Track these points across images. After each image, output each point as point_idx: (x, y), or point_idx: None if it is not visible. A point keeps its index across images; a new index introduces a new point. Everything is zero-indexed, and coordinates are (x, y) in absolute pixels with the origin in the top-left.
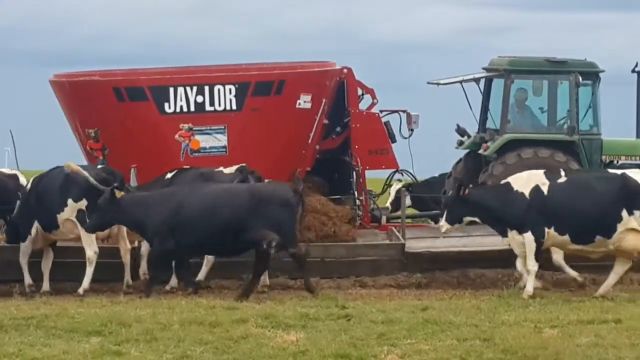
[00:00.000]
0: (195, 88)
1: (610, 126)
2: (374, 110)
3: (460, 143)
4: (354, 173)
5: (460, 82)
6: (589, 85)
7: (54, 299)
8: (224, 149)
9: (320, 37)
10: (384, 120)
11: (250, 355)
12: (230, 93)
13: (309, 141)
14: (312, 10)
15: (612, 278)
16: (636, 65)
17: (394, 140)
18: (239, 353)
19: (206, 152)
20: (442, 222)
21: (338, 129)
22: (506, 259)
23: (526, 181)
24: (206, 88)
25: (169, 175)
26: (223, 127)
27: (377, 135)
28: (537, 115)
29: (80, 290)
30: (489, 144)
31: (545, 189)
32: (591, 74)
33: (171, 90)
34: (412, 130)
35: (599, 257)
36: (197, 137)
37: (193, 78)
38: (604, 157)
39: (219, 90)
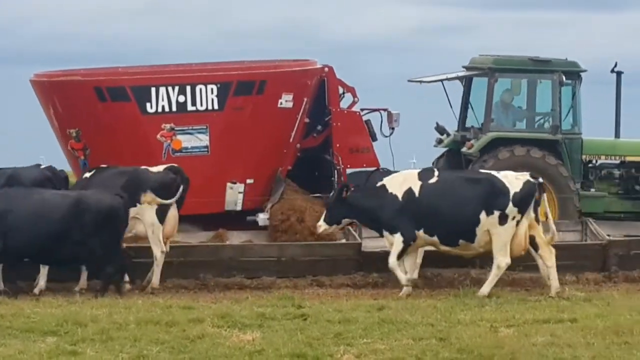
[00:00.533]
0: (177, 88)
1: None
2: (355, 108)
3: (440, 141)
4: (336, 172)
5: (442, 80)
6: (570, 84)
7: (10, 299)
8: (206, 149)
9: (274, 37)
10: (364, 118)
11: (207, 355)
12: (212, 93)
13: (291, 140)
14: (266, 9)
15: (552, 272)
16: (615, 65)
17: (374, 139)
18: (195, 353)
19: (188, 152)
20: (321, 222)
21: (319, 127)
22: (463, 258)
23: (400, 183)
24: (188, 88)
25: (87, 175)
26: (205, 126)
27: (358, 133)
28: (519, 114)
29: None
30: (472, 142)
31: (416, 191)
32: (573, 74)
33: (153, 90)
34: (392, 128)
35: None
36: (179, 137)
37: (175, 78)
38: (583, 157)
39: (200, 90)
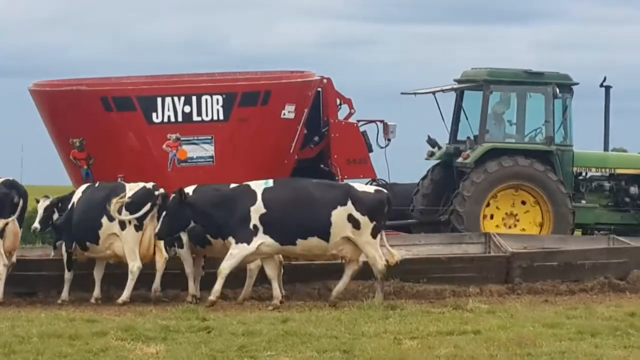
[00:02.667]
0: (182, 98)
1: None
2: (352, 120)
3: (431, 154)
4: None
5: (434, 92)
6: (562, 97)
7: None
8: (211, 159)
9: (183, 49)
10: (361, 130)
11: None
12: (217, 103)
13: (291, 151)
14: (174, 21)
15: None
16: (604, 80)
17: (370, 150)
18: None
19: (193, 162)
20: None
21: (316, 138)
22: (366, 271)
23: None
24: (194, 98)
25: None
26: (210, 137)
27: (356, 144)
28: (512, 125)
29: None
30: (468, 152)
31: (258, 197)
32: (565, 86)
33: (159, 100)
34: (389, 140)
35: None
36: (185, 147)
37: (181, 88)
38: (574, 169)
39: (206, 100)
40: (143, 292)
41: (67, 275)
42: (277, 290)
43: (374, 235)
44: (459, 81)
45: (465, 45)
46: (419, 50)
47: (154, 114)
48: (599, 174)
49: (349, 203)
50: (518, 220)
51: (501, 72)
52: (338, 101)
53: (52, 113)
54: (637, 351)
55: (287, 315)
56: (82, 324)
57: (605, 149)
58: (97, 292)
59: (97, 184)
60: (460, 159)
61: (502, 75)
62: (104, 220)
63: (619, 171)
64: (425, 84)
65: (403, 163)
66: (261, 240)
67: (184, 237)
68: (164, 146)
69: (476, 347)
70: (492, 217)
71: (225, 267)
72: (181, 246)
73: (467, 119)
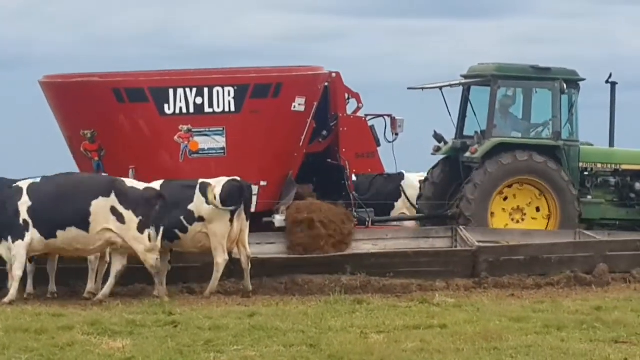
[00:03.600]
0: (194, 89)
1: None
2: (359, 114)
3: (437, 149)
4: (345, 176)
5: (441, 87)
6: (569, 92)
7: None
8: (223, 151)
9: (143, 43)
10: (369, 124)
11: None
12: (229, 95)
13: (300, 144)
14: (134, 15)
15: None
16: (610, 76)
17: (378, 144)
18: None
19: (205, 154)
20: None
21: (324, 132)
22: (333, 265)
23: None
24: (205, 90)
25: None
26: (222, 128)
27: (364, 138)
28: (520, 120)
29: None
30: (476, 147)
31: (24, 192)
32: (572, 82)
33: (171, 91)
34: (397, 134)
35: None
36: (196, 138)
37: (193, 80)
38: (580, 164)
39: (218, 92)
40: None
41: (30, 267)
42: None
43: (140, 230)
44: (465, 76)
45: (434, 39)
46: (388, 44)
47: (166, 106)
48: (604, 169)
49: (113, 195)
50: (525, 215)
51: (509, 67)
52: (346, 95)
53: (63, 105)
54: (603, 345)
55: (254, 309)
56: (48, 319)
57: (611, 144)
58: (51, 286)
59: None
60: (468, 154)
61: (509, 70)
62: None
63: (624, 167)
64: (396, 78)
65: (409, 157)
66: (32, 234)
67: (152, 231)
68: (175, 137)
69: (443, 341)
70: (500, 211)
71: (16, 269)
72: None
73: (474, 113)
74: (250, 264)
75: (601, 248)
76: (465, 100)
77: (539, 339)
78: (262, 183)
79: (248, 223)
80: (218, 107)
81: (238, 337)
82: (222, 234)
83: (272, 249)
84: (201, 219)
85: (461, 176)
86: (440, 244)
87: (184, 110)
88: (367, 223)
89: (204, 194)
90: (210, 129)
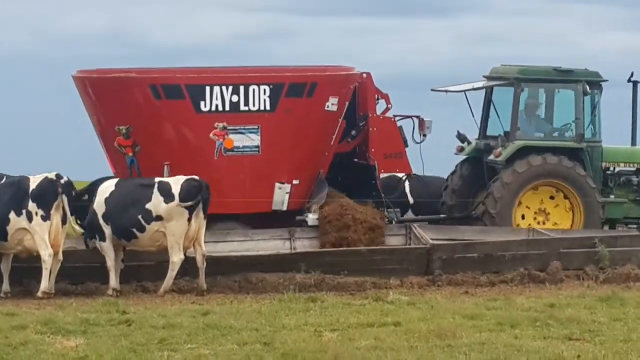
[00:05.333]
0: (230, 87)
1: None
2: (388, 114)
3: (461, 149)
4: (375, 175)
5: (468, 90)
6: (592, 94)
7: None
8: (257, 149)
9: (98, 42)
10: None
11: None
12: (264, 93)
13: (332, 143)
14: (89, 15)
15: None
16: (632, 75)
17: (406, 145)
18: (18, 359)
19: (239, 152)
20: None
21: (353, 132)
22: (288, 263)
23: None
24: (241, 88)
25: None
26: (257, 126)
27: (393, 139)
28: (544, 122)
29: None
30: (500, 149)
31: None
32: (595, 83)
33: (207, 89)
34: (424, 135)
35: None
36: (231, 136)
37: (229, 77)
38: (603, 164)
39: (253, 90)
40: (63, 285)
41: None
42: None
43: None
44: (488, 77)
45: (388, 38)
46: (339, 43)
47: (202, 103)
48: (627, 168)
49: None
50: (549, 215)
51: (532, 69)
52: (376, 96)
53: (99, 100)
54: (556, 342)
55: (208, 307)
56: (1, 318)
57: (633, 143)
58: (5, 286)
59: (3, 180)
60: (492, 156)
61: (533, 72)
62: (12, 215)
63: None
64: None
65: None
66: None
67: (107, 230)
68: (210, 135)
69: (396, 339)
70: (523, 215)
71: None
72: (103, 239)
73: (497, 115)
74: (205, 263)
75: (554, 245)
76: (488, 101)
77: (492, 336)
78: (295, 182)
79: (205, 222)
80: (253, 105)
81: (192, 336)
82: (180, 232)
83: (225, 247)
84: (159, 217)
85: (484, 176)
86: (395, 242)
87: (220, 108)
88: (392, 222)
89: (162, 193)
90: (246, 127)
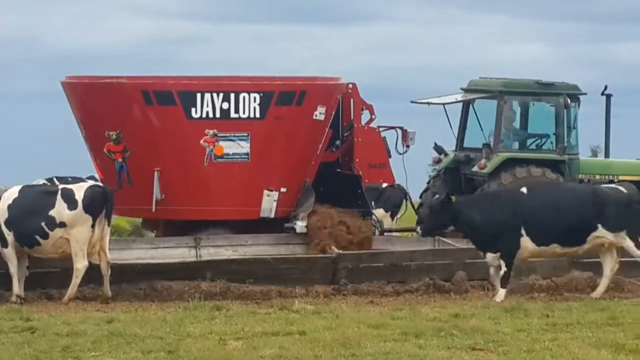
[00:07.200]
0: (221, 95)
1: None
2: (372, 125)
3: (438, 161)
4: (361, 185)
5: (451, 103)
6: (572, 106)
7: None
8: (247, 156)
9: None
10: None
11: None
12: (254, 101)
13: (318, 152)
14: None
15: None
16: (605, 88)
17: (389, 156)
18: None
19: (229, 158)
20: None
21: (337, 142)
22: (193, 271)
23: None
24: (232, 95)
25: None
26: (247, 134)
27: (377, 149)
28: (525, 134)
29: None
30: (484, 161)
31: None
32: (574, 96)
33: (199, 95)
34: (407, 146)
35: None
36: (222, 143)
37: (220, 85)
38: (580, 176)
39: (244, 98)
40: None
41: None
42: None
43: None
44: (468, 90)
45: (295, 45)
46: (248, 50)
47: (193, 109)
48: (603, 180)
49: None
50: None
51: (515, 82)
52: (361, 107)
53: (89, 105)
54: (460, 352)
55: (112, 315)
56: None
57: (607, 156)
58: None
59: None
60: (475, 168)
61: (516, 86)
62: None
63: (621, 177)
64: None
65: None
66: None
67: (9, 237)
68: (201, 141)
69: (301, 348)
70: None
71: None
72: (5, 245)
73: (480, 127)
74: (109, 270)
75: (460, 256)
76: (466, 113)
77: (397, 345)
78: (283, 189)
79: (109, 229)
80: (244, 112)
81: (96, 344)
82: (83, 239)
83: (131, 254)
84: (63, 224)
85: (462, 188)
86: (301, 251)
87: (211, 115)
88: (376, 232)
89: (65, 200)
90: (236, 134)
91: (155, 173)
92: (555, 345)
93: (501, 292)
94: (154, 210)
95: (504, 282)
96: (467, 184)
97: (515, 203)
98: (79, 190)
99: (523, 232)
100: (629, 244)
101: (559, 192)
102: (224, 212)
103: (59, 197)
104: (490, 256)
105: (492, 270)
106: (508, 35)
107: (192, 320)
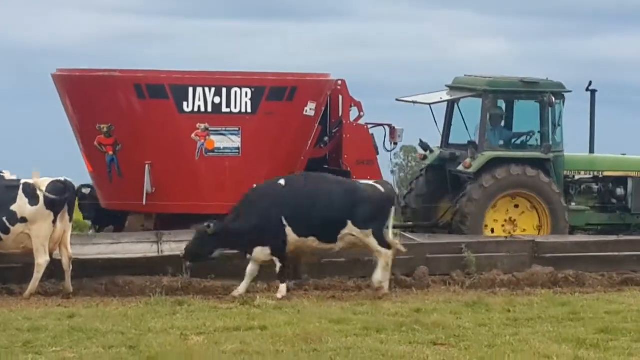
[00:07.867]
0: (213, 89)
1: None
2: (360, 122)
3: (424, 157)
4: None
5: (436, 103)
6: (557, 104)
7: None
8: (237, 150)
9: None
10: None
11: None
12: (246, 96)
13: (307, 148)
14: None
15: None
16: (590, 84)
17: (377, 153)
18: None
19: (220, 153)
20: None
21: (326, 138)
22: (155, 266)
23: None
24: (224, 90)
25: None
26: (238, 128)
27: (365, 146)
28: (510, 132)
29: None
30: (469, 160)
31: None
32: (559, 94)
33: (191, 89)
34: (395, 143)
35: None
36: (213, 137)
37: (212, 79)
38: (565, 172)
39: (236, 92)
40: None
41: None
42: None
43: None
44: (452, 87)
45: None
46: (211, 45)
47: (185, 103)
48: (587, 176)
49: None
50: (516, 226)
51: (500, 81)
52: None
53: (80, 99)
54: (422, 347)
55: (74, 310)
56: None
57: (591, 151)
58: None
59: None
60: (461, 167)
61: (501, 84)
62: None
63: (606, 173)
64: None
65: None
66: None
67: None
68: (192, 135)
69: (262, 343)
70: (492, 222)
71: None
72: None
73: (465, 125)
74: (71, 265)
75: (421, 250)
76: (451, 111)
77: (358, 340)
78: None
79: (71, 224)
80: (235, 107)
81: (57, 339)
82: (45, 235)
83: (92, 249)
84: (24, 219)
85: (448, 185)
86: None
87: (202, 109)
88: None
89: (27, 195)
90: (227, 129)
91: (147, 166)
92: (516, 340)
93: (282, 288)
94: (144, 203)
95: (281, 276)
96: (453, 181)
97: (274, 195)
98: (42, 185)
99: (285, 222)
100: (371, 241)
101: (320, 185)
102: (215, 206)
103: (20, 192)
104: (257, 250)
105: (251, 267)
106: (469, 30)
107: (153, 315)
